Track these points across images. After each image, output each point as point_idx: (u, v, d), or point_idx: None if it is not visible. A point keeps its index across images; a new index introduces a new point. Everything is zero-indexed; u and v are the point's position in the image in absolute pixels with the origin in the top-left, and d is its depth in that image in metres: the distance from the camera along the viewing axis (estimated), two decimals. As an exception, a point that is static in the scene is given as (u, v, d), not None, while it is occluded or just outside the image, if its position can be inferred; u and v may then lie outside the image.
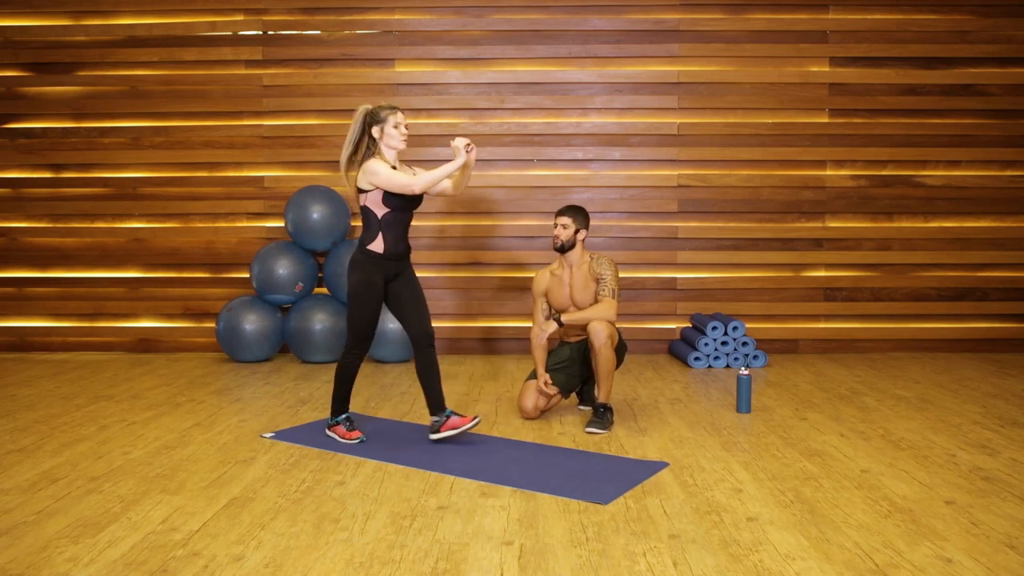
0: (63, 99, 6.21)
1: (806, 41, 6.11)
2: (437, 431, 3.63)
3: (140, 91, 6.19)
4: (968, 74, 6.13)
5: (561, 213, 4.10)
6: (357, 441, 3.63)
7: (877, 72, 6.12)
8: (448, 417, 3.63)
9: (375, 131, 3.57)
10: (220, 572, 2.33)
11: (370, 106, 3.62)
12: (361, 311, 3.58)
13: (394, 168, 3.57)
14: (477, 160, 6.11)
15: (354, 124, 3.59)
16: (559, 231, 4.09)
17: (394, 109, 3.59)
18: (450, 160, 3.58)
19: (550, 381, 4.06)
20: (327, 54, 6.14)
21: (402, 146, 3.59)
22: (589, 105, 6.14)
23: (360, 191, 3.59)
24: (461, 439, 3.67)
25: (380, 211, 3.56)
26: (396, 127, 3.56)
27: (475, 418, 3.64)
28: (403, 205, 3.58)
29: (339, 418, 3.71)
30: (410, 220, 3.68)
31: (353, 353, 3.65)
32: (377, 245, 3.57)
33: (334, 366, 5.59)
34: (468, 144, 3.56)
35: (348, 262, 3.76)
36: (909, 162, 6.16)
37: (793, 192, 6.15)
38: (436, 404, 3.66)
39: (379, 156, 3.57)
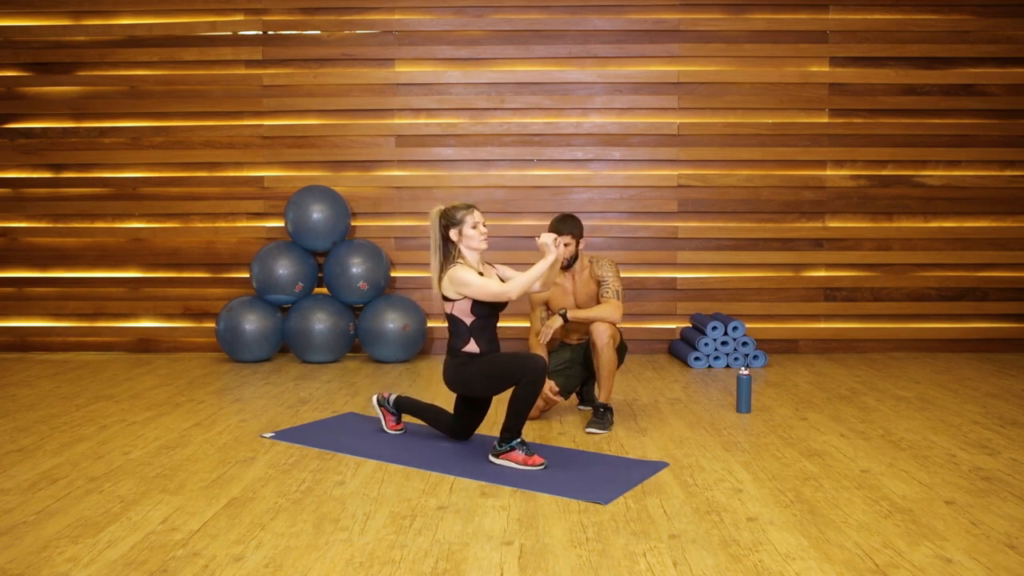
0: (63, 99, 6.21)
1: (806, 41, 6.11)
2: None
3: (140, 91, 6.19)
4: (968, 74, 6.13)
5: (559, 233, 3.90)
6: (542, 467, 3.27)
7: (877, 72, 6.12)
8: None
9: (453, 234, 3.40)
10: (220, 572, 2.33)
11: (443, 206, 3.44)
12: (506, 361, 3.34)
13: (480, 274, 3.41)
14: (479, 160, 6.16)
15: (432, 230, 3.42)
16: (563, 250, 3.89)
17: (470, 208, 3.42)
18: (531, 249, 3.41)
19: (556, 388, 4.01)
20: (327, 54, 6.14)
21: (484, 246, 3.42)
22: (589, 105, 6.14)
23: (446, 299, 3.42)
24: (463, 440, 3.70)
25: (468, 319, 3.41)
26: (475, 227, 3.39)
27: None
28: (491, 312, 3.43)
29: (514, 442, 3.34)
30: (497, 322, 3.51)
31: (543, 370, 3.30)
32: (472, 347, 3.42)
33: (334, 366, 5.62)
34: (556, 239, 3.42)
35: (451, 371, 3.47)
36: (909, 162, 6.16)
37: (793, 192, 6.15)
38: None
39: (463, 262, 3.41)
